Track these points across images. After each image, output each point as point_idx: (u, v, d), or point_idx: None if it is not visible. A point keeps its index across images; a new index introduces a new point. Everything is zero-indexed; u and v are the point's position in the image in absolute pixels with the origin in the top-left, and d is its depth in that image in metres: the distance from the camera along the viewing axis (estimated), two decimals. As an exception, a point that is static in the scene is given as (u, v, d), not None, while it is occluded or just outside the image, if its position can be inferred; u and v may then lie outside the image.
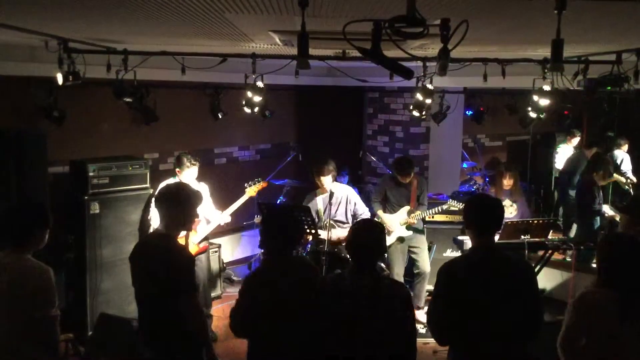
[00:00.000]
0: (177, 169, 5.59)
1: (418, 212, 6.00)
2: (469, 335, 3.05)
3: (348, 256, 3.28)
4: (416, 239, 6.17)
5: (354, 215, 5.89)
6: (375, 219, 5.88)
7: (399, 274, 6.14)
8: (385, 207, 6.13)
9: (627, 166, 8.43)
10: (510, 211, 6.52)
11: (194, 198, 3.46)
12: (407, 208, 5.99)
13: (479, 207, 3.22)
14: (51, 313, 3.12)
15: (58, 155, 5.83)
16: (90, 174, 5.58)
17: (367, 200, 6.39)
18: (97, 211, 5.60)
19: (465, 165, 9.06)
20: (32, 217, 3.24)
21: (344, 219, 5.84)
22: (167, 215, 3.39)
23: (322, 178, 5.77)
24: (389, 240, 6.12)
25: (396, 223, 6.01)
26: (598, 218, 6.96)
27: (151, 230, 5.83)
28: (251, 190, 5.92)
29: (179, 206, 3.37)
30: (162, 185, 5.57)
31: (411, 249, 6.19)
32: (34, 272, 3.11)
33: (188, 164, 5.51)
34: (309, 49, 2.68)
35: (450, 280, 3.07)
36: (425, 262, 6.20)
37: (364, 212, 5.94)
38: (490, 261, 3.09)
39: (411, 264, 6.38)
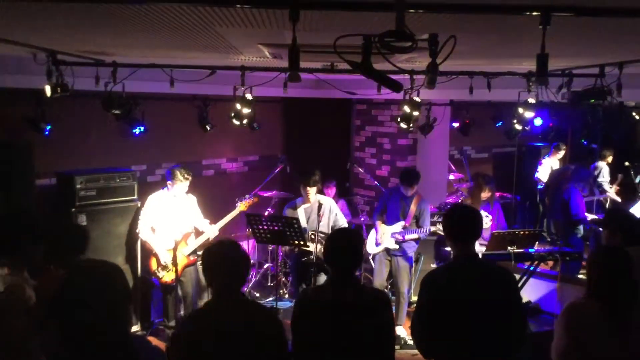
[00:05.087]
0: (169, 182, 5.59)
1: (411, 235, 5.98)
2: (452, 347, 3.04)
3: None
4: (399, 263, 6.09)
5: (334, 226, 5.87)
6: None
7: (380, 284, 6.19)
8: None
9: (604, 178, 8.57)
10: (486, 222, 6.57)
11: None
12: (402, 223, 6.03)
13: (456, 216, 3.25)
14: None
15: (45, 167, 5.79)
16: (78, 186, 5.56)
17: (356, 212, 6.36)
18: (85, 224, 5.57)
19: (452, 177, 9.12)
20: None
21: (326, 230, 5.78)
22: None
23: (309, 189, 5.80)
24: (376, 249, 6.22)
25: (387, 234, 6.04)
26: (581, 227, 7.08)
27: (139, 243, 5.83)
28: (242, 206, 6.05)
29: None
30: (150, 197, 5.57)
31: (393, 267, 6.19)
32: None
33: (181, 177, 5.53)
34: (299, 62, 2.71)
35: (432, 290, 3.08)
36: (400, 284, 6.13)
37: (343, 224, 6.00)
38: (472, 270, 3.10)
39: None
